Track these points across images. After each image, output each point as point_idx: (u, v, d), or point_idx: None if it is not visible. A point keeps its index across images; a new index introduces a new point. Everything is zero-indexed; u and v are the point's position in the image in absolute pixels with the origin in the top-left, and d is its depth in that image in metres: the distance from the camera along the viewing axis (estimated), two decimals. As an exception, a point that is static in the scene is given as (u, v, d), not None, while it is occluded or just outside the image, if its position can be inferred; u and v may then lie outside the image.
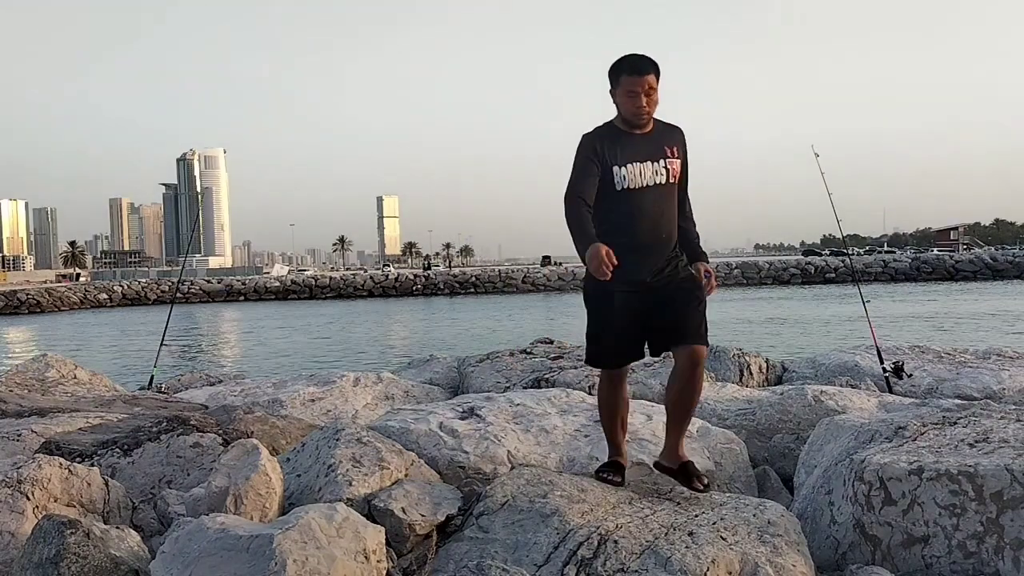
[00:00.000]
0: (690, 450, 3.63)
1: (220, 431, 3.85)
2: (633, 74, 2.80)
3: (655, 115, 2.92)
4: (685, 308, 2.85)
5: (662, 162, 2.88)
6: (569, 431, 3.77)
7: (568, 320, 32.34)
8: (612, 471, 3.11)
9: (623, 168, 2.83)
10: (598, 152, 2.83)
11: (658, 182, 2.87)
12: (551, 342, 7.77)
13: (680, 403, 2.91)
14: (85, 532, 2.30)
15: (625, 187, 2.83)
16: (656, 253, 2.88)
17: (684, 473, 2.91)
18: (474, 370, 6.56)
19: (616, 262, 2.57)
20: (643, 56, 2.83)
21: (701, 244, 3.12)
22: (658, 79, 2.82)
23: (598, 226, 2.82)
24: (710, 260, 3.14)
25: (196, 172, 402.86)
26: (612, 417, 3.14)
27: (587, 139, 2.88)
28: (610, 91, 2.89)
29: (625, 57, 2.85)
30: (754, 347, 7.62)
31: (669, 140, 2.93)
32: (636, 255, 2.81)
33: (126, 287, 62.56)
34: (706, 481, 2.88)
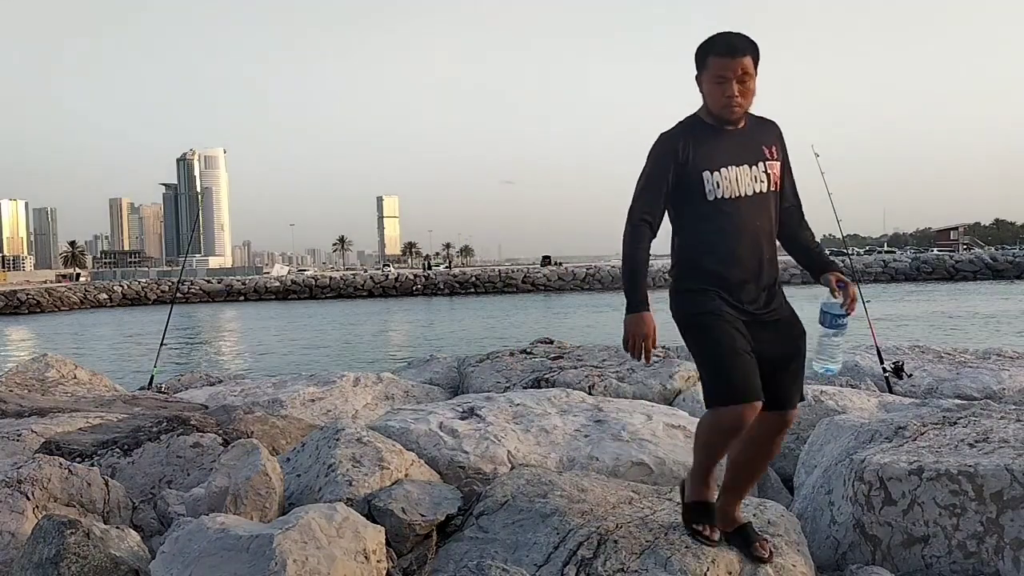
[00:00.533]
0: (690, 450, 3.63)
1: (220, 431, 3.85)
2: (724, 55, 2.28)
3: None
4: (787, 362, 2.36)
5: (761, 165, 2.38)
6: (569, 431, 3.77)
7: (568, 320, 32.33)
8: (706, 520, 2.49)
9: (716, 173, 2.33)
10: (679, 155, 2.33)
11: (758, 190, 2.36)
12: (551, 342, 7.77)
13: (748, 467, 2.48)
14: (85, 532, 2.30)
15: (720, 196, 2.33)
16: (757, 279, 2.35)
17: (742, 536, 2.46)
18: (474, 370, 6.56)
19: (655, 353, 2.20)
20: (739, 34, 2.32)
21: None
22: (757, 64, 2.31)
23: (686, 246, 2.41)
24: None
25: (196, 172, 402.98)
26: (717, 459, 2.49)
27: (665, 139, 2.38)
28: (696, 77, 2.39)
29: (717, 35, 2.34)
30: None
31: (766, 138, 2.43)
32: (733, 281, 2.32)
33: (126, 287, 62.56)
34: (769, 548, 2.44)
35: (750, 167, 2.36)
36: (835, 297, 2.38)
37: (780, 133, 2.48)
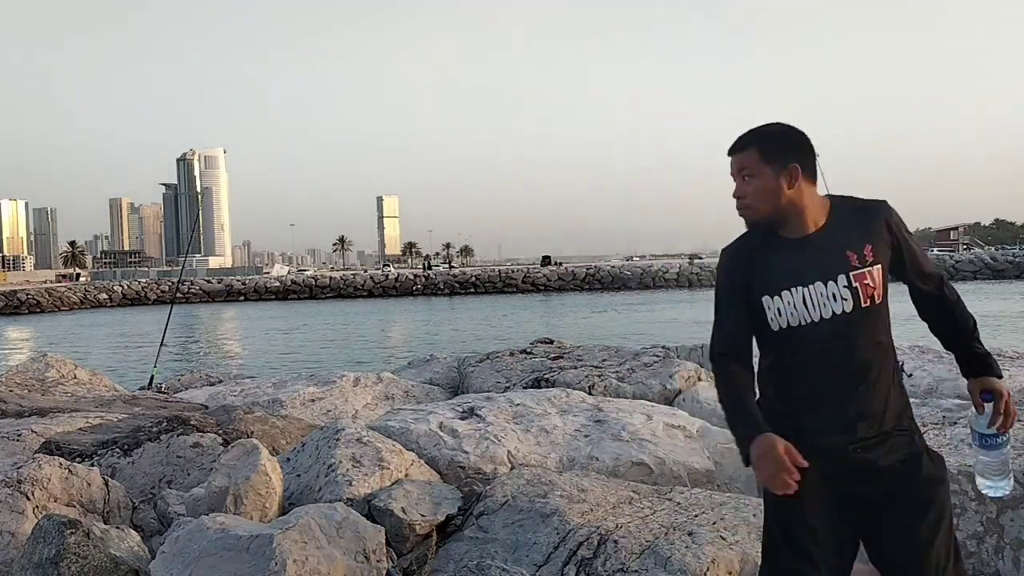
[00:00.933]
0: (690, 450, 3.64)
1: (220, 431, 3.85)
2: (728, 156, 1.95)
3: (833, 193, 1.97)
4: (917, 529, 1.81)
5: (842, 279, 1.84)
6: (569, 431, 3.77)
7: (568, 320, 32.34)
8: None
9: (777, 298, 1.87)
10: (736, 274, 1.94)
11: (840, 311, 1.84)
12: (551, 342, 7.77)
13: None
14: (85, 532, 2.30)
15: (784, 326, 1.87)
16: (855, 417, 1.84)
17: None
18: (474, 370, 6.56)
19: (804, 462, 1.71)
20: (748, 130, 1.95)
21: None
22: (768, 158, 1.86)
23: (762, 382, 1.96)
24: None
25: (196, 172, 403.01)
26: None
27: (723, 258, 2.00)
28: None
29: None
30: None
31: (855, 238, 1.87)
32: (816, 434, 1.85)
33: (126, 287, 62.63)
34: None
35: (824, 283, 1.85)
36: (980, 413, 1.90)
37: (886, 218, 1.92)
